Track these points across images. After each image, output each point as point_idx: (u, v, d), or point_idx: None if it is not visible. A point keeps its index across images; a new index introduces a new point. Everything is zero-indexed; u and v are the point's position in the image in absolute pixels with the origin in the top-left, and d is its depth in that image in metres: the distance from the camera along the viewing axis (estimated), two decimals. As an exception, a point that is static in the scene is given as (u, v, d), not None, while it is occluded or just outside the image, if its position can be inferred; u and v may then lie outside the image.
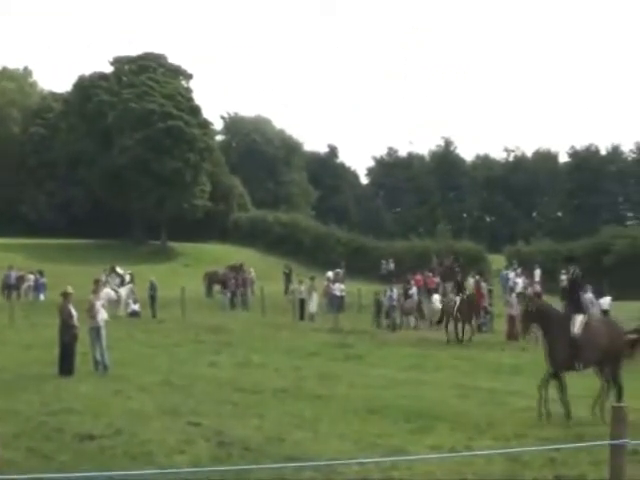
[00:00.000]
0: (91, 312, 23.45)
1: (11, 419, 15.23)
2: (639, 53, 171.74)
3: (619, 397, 16.03)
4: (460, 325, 35.95)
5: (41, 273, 51.39)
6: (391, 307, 41.58)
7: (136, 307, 44.59)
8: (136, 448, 12.60)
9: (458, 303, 36.29)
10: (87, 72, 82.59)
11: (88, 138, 77.74)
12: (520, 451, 11.89)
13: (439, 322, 37.76)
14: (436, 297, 42.68)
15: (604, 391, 16.27)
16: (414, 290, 43.46)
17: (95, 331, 23.10)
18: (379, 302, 42.96)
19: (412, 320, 42.23)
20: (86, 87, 79.70)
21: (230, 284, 51.53)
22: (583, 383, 17.56)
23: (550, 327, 16.65)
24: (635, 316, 32.99)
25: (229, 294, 50.98)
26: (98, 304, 23.81)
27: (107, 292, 36.43)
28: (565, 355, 16.22)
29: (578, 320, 16.37)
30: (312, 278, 48.44)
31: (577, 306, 16.98)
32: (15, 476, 8.63)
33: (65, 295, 23.04)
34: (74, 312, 22.57)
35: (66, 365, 22.02)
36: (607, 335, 16.32)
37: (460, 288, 38.27)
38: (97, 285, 25.72)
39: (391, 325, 40.86)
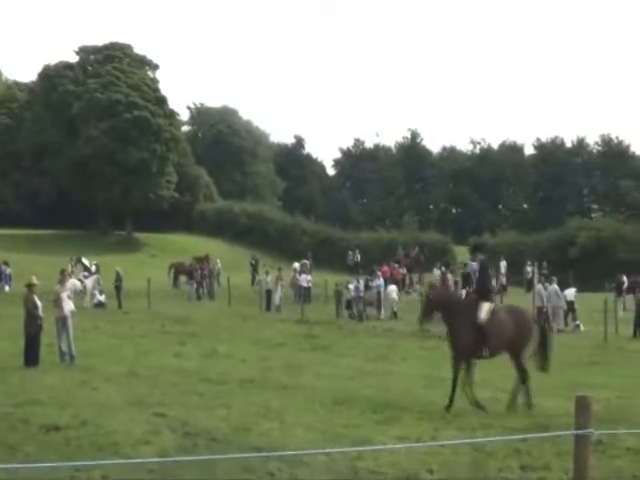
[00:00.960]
0: (57, 302, 23.34)
1: (-25, 410, 15.12)
2: (604, 47, 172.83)
3: (523, 381, 16.01)
4: None
5: (6, 264, 50.99)
6: (357, 298, 41.64)
7: (102, 298, 44.43)
8: (102, 439, 12.55)
9: (464, 297, 33.96)
10: (52, 62, 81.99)
11: (53, 128, 77.20)
12: (486, 441, 11.95)
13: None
14: (392, 287, 42.66)
15: (522, 378, 16.15)
16: (378, 282, 43.48)
17: (61, 321, 22.99)
18: (339, 293, 43.19)
19: (373, 311, 42.37)
20: (51, 77, 79.07)
21: (196, 275, 51.47)
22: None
23: (453, 315, 16.36)
24: (599, 307, 33.25)
25: (195, 285, 50.91)
26: (64, 295, 23.69)
27: (73, 283, 36.22)
28: (470, 342, 15.98)
29: (485, 307, 16.15)
30: (279, 269, 48.45)
31: (484, 294, 16.71)
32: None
33: (30, 286, 22.88)
34: (39, 303, 22.43)
35: (31, 356, 21.89)
36: (514, 324, 16.13)
37: (467, 281, 36.32)
38: (63, 276, 25.63)
39: (357, 316, 40.94)
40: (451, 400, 15.82)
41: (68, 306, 23.48)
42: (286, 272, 50.23)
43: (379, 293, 42.31)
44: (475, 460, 11.40)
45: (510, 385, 19.14)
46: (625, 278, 43.71)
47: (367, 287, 43.21)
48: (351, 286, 42.96)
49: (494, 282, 47.67)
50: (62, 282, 24.68)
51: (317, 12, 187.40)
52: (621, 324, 34.10)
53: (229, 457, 10.80)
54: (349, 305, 42.66)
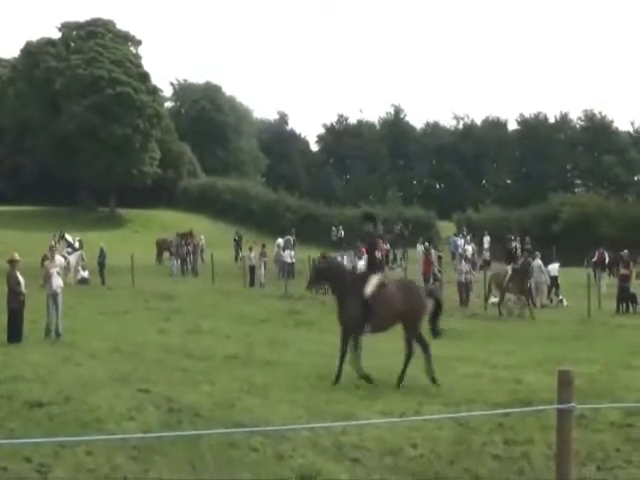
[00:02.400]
0: (47, 279, 23.34)
1: (-42, 387, 15.08)
2: (587, 22, 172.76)
3: (425, 351, 15.96)
4: (512, 298, 33.64)
5: (-12, 240, 50.86)
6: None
7: (85, 274, 44.32)
8: (86, 415, 12.53)
9: (510, 273, 33.28)
10: (35, 38, 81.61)
11: (36, 105, 76.80)
12: (469, 416, 11.99)
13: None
14: (362, 263, 42.41)
15: (409, 354, 16.09)
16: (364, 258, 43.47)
17: (52, 298, 22.96)
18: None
19: None
20: (34, 53, 78.67)
21: (181, 251, 51.47)
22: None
23: (341, 288, 16.23)
24: (582, 282, 33.38)
25: (179, 261, 50.89)
26: (54, 270, 23.65)
27: (57, 259, 36.12)
28: (356, 316, 15.79)
29: (372, 281, 15.99)
30: (263, 245, 48.41)
31: (374, 266, 16.65)
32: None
33: (12, 262, 22.75)
34: (21, 279, 22.35)
35: (14, 332, 21.83)
36: (403, 298, 15.96)
37: (512, 257, 35.47)
38: (52, 252, 25.52)
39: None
40: (338, 374, 15.72)
41: (57, 282, 23.45)
42: (270, 248, 50.21)
43: (353, 268, 42.10)
44: (459, 435, 11.45)
45: (494, 360, 19.28)
46: (606, 253, 43.92)
47: None
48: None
49: (478, 257, 48.07)
50: (51, 258, 24.59)
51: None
52: (604, 299, 34.24)
53: (213, 432, 10.80)
54: None
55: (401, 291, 16.21)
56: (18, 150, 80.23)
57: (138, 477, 9.48)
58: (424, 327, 16.49)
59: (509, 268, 33.68)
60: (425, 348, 16.01)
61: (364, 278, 16.30)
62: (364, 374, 15.88)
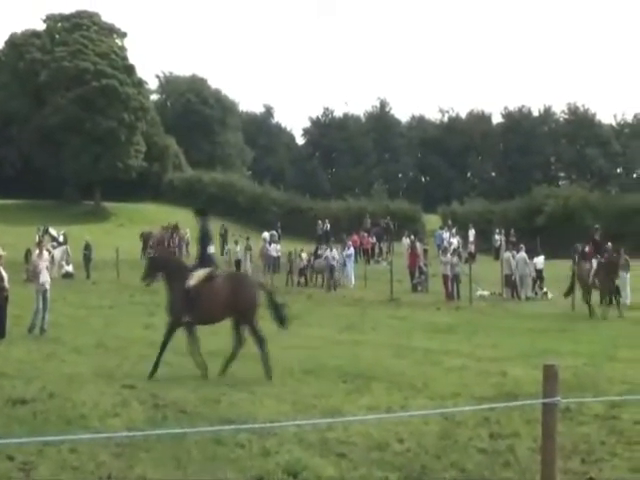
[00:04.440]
0: (36, 274, 23.28)
1: (-59, 384, 14.99)
2: (571, 15, 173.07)
3: (261, 347, 15.93)
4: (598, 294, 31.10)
5: (-29, 234, 50.66)
6: (332, 267, 41.49)
7: (70, 268, 44.19)
8: (70, 412, 12.47)
9: (595, 268, 31.07)
10: (19, 30, 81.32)
11: (20, 97, 76.56)
12: (455, 411, 12.00)
13: (568, 293, 32.28)
14: (328, 254, 42.28)
15: (236, 347, 16.14)
16: (349, 251, 43.56)
17: (41, 293, 22.89)
18: (292, 261, 43.66)
19: (320, 279, 43.37)
20: (18, 45, 78.41)
21: (172, 245, 51.58)
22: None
23: (172, 279, 16.30)
24: (566, 274, 33.43)
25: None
26: (42, 265, 23.57)
27: (44, 253, 36.02)
28: (180, 308, 15.91)
29: (197, 273, 16.06)
30: (247, 239, 48.35)
31: (205, 260, 16.57)
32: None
33: (-5, 257, 22.65)
34: (4, 274, 22.19)
35: (-3, 328, 21.72)
36: (231, 290, 15.97)
37: (598, 250, 32.85)
38: (40, 246, 25.39)
39: (332, 285, 40.88)
40: (156, 365, 15.74)
41: (45, 277, 23.37)
42: (255, 242, 50.14)
43: (327, 259, 42.26)
44: (445, 429, 11.46)
45: (479, 353, 19.32)
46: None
47: (316, 256, 43.48)
48: (304, 255, 43.65)
49: (463, 250, 48.12)
50: (39, 253, 24.46)
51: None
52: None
53: (199, 430, 10.77)
54: (302, 273, 43.09)
55: (230, 284, 16.22)
56: (2, 142, 79.96)
57: (123, 474, 9.43)
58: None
59: (594, 262, 31.64)
60: (261, 343, 15.99)
61: (193, 270, 16.31)
62: (203, 365, 15.94)
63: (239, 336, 16.21)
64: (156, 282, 17.05)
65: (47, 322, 22.87)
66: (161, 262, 16.87)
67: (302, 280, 43.22)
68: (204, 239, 16.83)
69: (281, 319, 16.75)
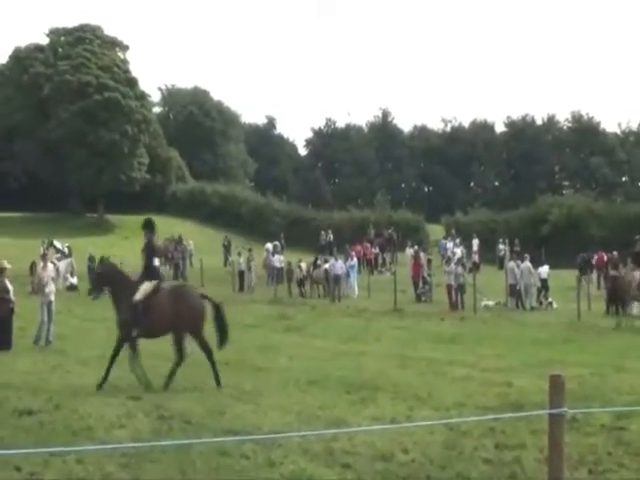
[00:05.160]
0: (41, 287, 23.36)
1: (-53, 396, 15.01)
2: (573, 24, 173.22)
3: (209, 358, 15.98)
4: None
5: (-24, 247, 50.75)
6: (337, 277, 41.39)
7: (74, 280, 44.21)
8: (76, 423, 12.49)
9: (638, 279, 30.94)
10: (23, 44, 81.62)
11: (24, 110, 76.81)
12: (460, 421, 11.97)
13: (609, 303, 32.21)
14: (334, 264, 42.19)
15: (178, 362, 16.09)
16: (352, 262, 43.55)
17: (47, 305, 22.97)
18: (290, 272, 43.71)
19: (320, 289, 43.43)
20: (22, 59, 78.74)
21: (175, 256, 51.63)
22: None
23: (118, 293, 16.36)
24: (572, 284, 33.39)
25: (172, 266, 51.10)
26: (47, 277, 23.66)
27: (49, 266, 36.11)
28: (127, 321, 15.99)
29: (143, 287, 16.10)
30: (249, 250, 48.36)
31: (150, 273, 16.61)
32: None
33: (0, 270, 22.72)
34: (10, 287, 22.27)
35: (3, 340, 21.76)
36: (176, 304, 16.02)
37: (639, 261, 32.35)
38: (45, 259, 25.50)
39: (337, 296, 40.78)
40: (105, 377, 15.77)
41: (51, 289, 23.46)
42: (258, 253, 50.15)
43: (326, 272, 42.29)
44: (450, 439, 11.44)
45: (484, 363, 19.29)
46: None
47: (315, 266, 43.48)
48: (303, 265, 43.65)
49: (466, 260, 48.08)
50: (44, 266, 24.53)
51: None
52: (594, 301, 34.27)
53: (204, 441, 10.77)
54: (301, 283, 43.10)
55: (174, 297, 16.28)
56: (6, 156, 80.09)
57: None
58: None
59: (637, 274, 31.70)
60: (209, 355, 16.04)
61: (139, 284, 16.33)
62: (144, 379, 15.96)
63: (180, 351, 16.17)
64: (102, 296, 17.09)
65: (53, 334, 22.95)
66: (107, 277, 16.84)
67: (302, 290, 43.17)
68: (149, 252, 16.91)
69: (222, 334, 16.65)
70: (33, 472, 9.75)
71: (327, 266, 42.41)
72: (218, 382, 15.77)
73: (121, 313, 16.23)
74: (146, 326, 15.94)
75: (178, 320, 15.94)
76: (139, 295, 15.95)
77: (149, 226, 17.33)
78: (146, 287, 16.13)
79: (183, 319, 15.98)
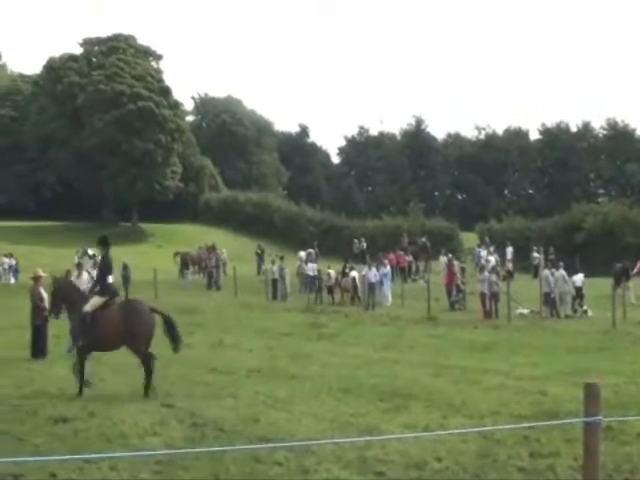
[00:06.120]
0: None
1: (-17, 403, 15.15)
2: (609, 31, 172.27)
3: (147, 379, 15.97)
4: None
5: (11, 256, 51.19)
6: (372, 285, 41.23)
7: (108, 289, 44.41)
8: (110, 430, 12.55)
9: None
10: (57, 54, 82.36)
11: (58, 120, 77.52)
12: (494, 429, 11.91)
13: None
14: (367, 272, 42.14)
15: (147, 368, 16.11)
16: (385, 270, 43.42)
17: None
18: (320, 279, 43.68)
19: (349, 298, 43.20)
20: (56, 69, 79.35)
21: (209, 265, 51.82)
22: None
23: (72, 305, 16.52)
24: (606, 293, 33.11)
25: (207, 275, 51.35)
26: (82, 286, 23.76)
27: (84, 275, 36.36)
28: (78, 334, 16.20)
29: (93, 301, 16.27)
30: (281, 258, 48.36)
31: (102, 289, 16.69)
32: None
33: (36, 278, 22.92)
34: (45, 295, 22.42)
35: (38, 348, 21.96)
36: (125, 318, 16.06)
37: None
38: (79, 269, 25.70)
39: (371, 304, 40.63)
40: (80, 389, 16.10)
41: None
42: (291, 261, 50.17)
43: (354, 280, 42.28)
44: (483, 447, 11.38)
45: (518, 372, 19.18)
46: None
47: (344, 274, 43.39)
48: (332, 272, 43.76)
49: (500, 268, 47.82)
50: (79, 275, 24.72)
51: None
52: (629, 309, 33.98)
53: (237, 448, 10.79)
54: (330, 291, 43.04)
55: (123, 312, 16.33)
56: (40, 165, 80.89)
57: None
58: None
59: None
60: (148, 375, 16.05)
61: (90, 298, 16.55)
62: (82, 387, 16.17)
63: (144, 360, 16.26)
64: (62, 313, 17.19)
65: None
66: (63, 293, 16.96)
67: (331, 298, 43.08)
68: (104, 268, 17.15)
69: (174, 340, 16.92)
70: (68, 479, 9.83)
71: (354, 274, 42.39)
72: (146, 393, 15.82)
73: (71, 322, 16.59)
74: (94, 339, 16.13)
75: (126, 334, 16.08)
76: (88, 307, 16.19)
77: (104, 242, 17.64)
78: (96, 301, 16.36)
79: (129, 333, 16.09)
